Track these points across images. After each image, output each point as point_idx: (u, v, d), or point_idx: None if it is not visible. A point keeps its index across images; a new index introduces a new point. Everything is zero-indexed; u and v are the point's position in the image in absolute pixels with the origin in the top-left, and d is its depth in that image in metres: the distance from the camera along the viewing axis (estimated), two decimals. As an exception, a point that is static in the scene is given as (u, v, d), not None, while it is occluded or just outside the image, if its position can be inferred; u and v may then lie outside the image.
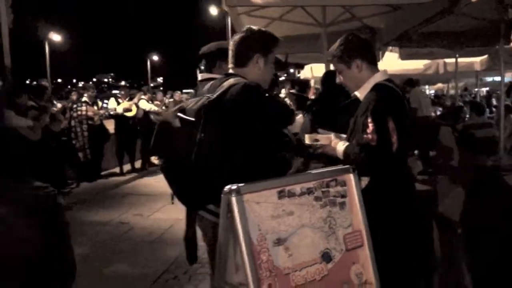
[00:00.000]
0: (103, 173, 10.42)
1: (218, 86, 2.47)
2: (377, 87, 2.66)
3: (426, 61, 11.24)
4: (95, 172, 9.96)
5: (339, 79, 2.86)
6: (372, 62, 2.78)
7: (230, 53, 2.58)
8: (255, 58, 2.53)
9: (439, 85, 21.79)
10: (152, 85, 65.83)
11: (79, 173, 9.64)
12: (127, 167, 10.90)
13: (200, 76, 3.10)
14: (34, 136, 7.31)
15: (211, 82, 2.63)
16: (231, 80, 2.44)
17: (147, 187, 9.72)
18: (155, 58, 65.91)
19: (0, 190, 2.10)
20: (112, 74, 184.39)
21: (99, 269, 5.10)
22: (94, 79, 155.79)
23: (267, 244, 1.92)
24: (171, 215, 7.18)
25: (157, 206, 7.90)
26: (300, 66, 17.24)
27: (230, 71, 2.59)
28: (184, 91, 19.57)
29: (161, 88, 58.23)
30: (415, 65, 11.30)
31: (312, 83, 10.20)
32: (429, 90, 24.07)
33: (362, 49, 2.75)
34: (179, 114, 2.60)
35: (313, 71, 11.95)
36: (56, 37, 40.80)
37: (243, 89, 2.35)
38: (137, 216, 7.30)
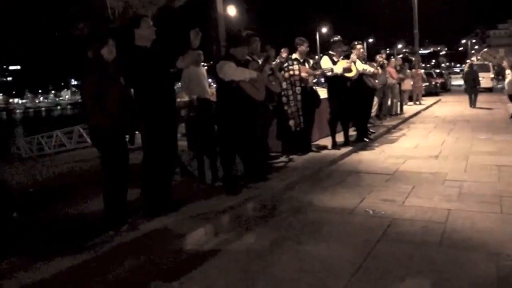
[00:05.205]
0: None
1: None
2: None
3: None
4: (306, 143, 8.39)
5: None
6: None
7: None
8: None
9: None
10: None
11: (290, 145, 8.17)
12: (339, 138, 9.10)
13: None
14: (259, 95, 5.86)
15: None
16: None
17: (372, 163, 7.89)
18: (324, 30, 63.76)
19: None
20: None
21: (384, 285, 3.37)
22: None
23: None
24: (431, 202, 5.31)
25: (403, 189, 6.03)
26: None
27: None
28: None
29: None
30: None
31: None
32: None
33: None
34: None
35: None
36: (232, 11, 40.60)
37: None
38: (388, 203, 5.46)
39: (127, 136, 4.95)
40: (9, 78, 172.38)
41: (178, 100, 6.65)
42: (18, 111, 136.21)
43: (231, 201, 5.52)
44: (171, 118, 5.16)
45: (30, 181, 8.00)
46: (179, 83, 6.73)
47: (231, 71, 5.69)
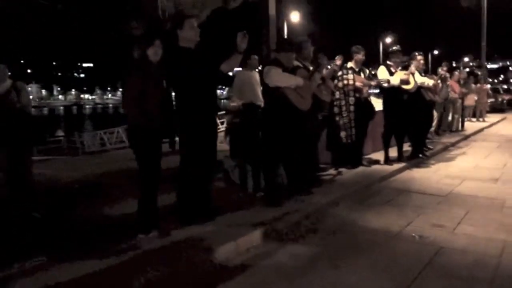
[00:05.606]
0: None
1: None
2: None
3: None
4: (357, 157, 8.03)
5: None
6: None
7: None
8: None
9: None
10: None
11: (340, 157, 7.84)
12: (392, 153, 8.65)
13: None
14: (304, 105, 5.59)
15: None
16: None
17: (425, 183, 7.42)
18: (388, 40, 62.22)
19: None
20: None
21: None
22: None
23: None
24: (486, 231, 4.84)
25: (456, 214, 5.57)
26: None
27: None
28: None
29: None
30: None
31: None
32: None
33: None
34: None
35: None
36: (294, 17, 40.46)
37: None
38: (437, 229, 5.05)
39: (166, 140, 4.85)
40: (82, 75, 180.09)
41: (232, 104, 6.51)
42: (87, 106, 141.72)
43: (270, 213, 5.28)
44: (210, 123, 4.99)
45: (80, 177, 8.03)
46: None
47: (277, 77, 5.46)
